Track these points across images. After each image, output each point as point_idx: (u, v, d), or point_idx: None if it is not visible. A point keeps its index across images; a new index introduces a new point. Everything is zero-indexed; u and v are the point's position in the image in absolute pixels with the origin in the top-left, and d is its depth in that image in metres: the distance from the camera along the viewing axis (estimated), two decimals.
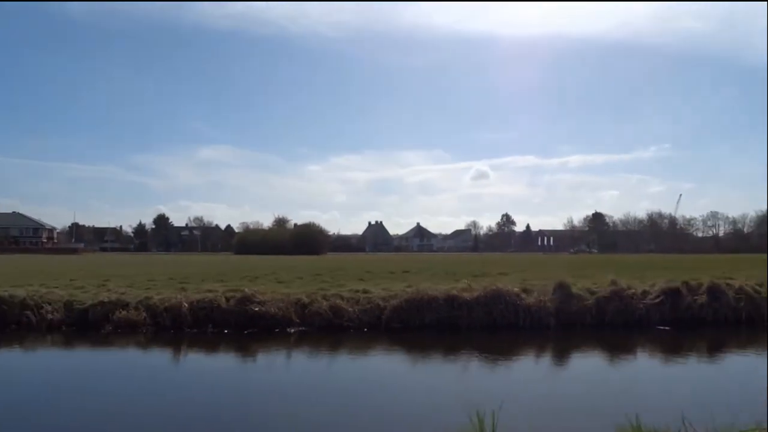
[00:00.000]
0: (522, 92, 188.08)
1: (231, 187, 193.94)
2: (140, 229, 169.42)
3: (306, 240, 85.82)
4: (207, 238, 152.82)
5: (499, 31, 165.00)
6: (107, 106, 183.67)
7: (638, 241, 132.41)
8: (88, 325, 15.27)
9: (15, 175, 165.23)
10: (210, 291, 16.63)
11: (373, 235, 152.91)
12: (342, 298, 16.04)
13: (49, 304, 15.66)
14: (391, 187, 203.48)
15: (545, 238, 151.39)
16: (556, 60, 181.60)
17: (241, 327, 15.19)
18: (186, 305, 15.38)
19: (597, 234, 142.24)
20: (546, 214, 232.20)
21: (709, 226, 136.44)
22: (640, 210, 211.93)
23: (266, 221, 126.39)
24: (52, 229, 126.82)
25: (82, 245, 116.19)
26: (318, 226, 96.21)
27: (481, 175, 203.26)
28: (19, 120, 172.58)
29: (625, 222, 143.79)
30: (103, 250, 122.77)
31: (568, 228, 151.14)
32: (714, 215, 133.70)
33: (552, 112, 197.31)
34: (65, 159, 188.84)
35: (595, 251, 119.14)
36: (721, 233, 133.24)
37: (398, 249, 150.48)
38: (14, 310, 15.39)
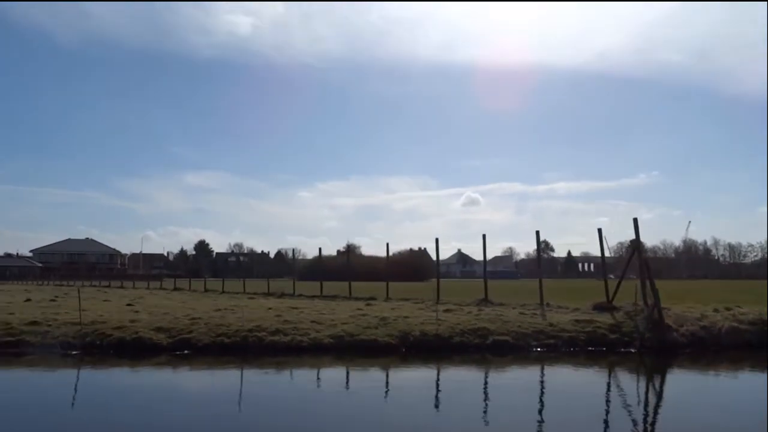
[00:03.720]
0: (506, 120, 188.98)
1: (219, 214, 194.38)
2: (182, 255, 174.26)
3: (417, 266, 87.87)
4: (253, 265, 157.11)
5: (478, 61, 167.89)
6: (91, 132, 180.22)
7: (676, 268, 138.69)
8: None
9: None
10: None
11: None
12: None
13: None
14: (378, 213, 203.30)
15: (585, 265, 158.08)
16: (538, 89, 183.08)
17: None
18: None
19: (636, 261, 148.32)
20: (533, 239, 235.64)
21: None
22: (627, 237, 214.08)
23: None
24: (124, 255, 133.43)
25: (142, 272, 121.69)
26: (425, 252, 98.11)
27: (472, 202, 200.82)
28: (0, 146, 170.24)
29: (662, 249, 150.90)
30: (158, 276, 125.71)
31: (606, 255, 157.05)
32: None
33: (537, 140, 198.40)
34: (49, 184, 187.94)
35: (633, 277, 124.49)
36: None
37: (441, 275, 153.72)
38: None
